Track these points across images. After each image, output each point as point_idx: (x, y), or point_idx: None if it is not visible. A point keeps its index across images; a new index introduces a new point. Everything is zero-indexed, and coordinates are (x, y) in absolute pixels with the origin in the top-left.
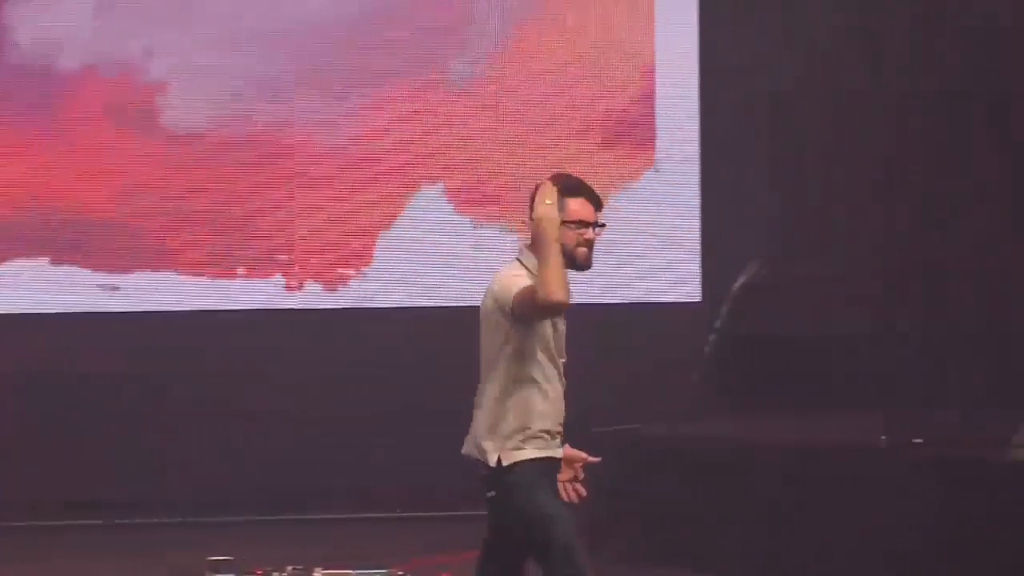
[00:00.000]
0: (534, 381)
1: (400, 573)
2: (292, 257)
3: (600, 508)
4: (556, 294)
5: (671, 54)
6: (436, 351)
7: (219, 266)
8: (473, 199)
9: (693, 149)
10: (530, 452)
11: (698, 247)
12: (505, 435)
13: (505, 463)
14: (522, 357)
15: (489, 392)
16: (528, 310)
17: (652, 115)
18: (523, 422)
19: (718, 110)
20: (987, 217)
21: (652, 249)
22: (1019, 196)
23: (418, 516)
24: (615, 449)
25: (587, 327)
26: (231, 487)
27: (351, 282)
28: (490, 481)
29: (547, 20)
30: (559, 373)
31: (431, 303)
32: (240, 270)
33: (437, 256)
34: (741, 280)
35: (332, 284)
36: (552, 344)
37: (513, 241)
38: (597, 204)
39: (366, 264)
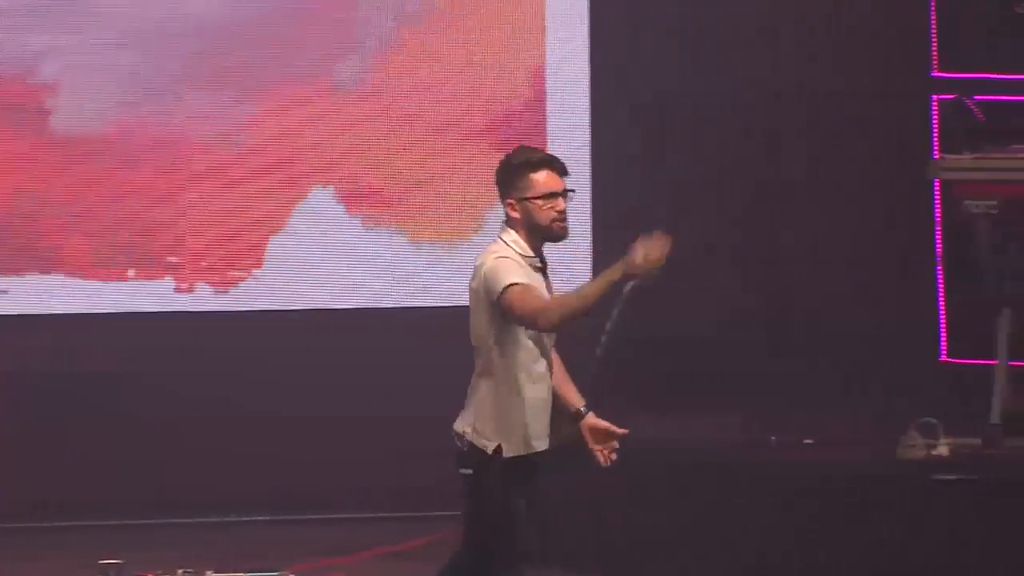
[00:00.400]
0: (520, 364)
1: None
2: (182, 259)
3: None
4: (551, 325)
5: (562, 57)
6: (326, 352)
7: (109, 268)
8: (364, 201)
9: (584, 152)
10: (509, 447)
11: (589, 248)
12: (485, 420)
13: (488, 451)
14: (507, 340)
15: (476, 372)
16: (515, 317)
17: (543, 118)
18: (505, 409)
19: (609, 113)
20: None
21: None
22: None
23: (322, 519)
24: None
25: None
26: (121, 490)
27: (241, 284)
28: (464, 461)
29: (438, 23)
30: (545, 354)
31: (321, 305)
32: (131, 272)
33: (328, 258)
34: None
35: (222, 286)
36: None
37: (403, 243)
38: (562, 171)
39: (257, 266)
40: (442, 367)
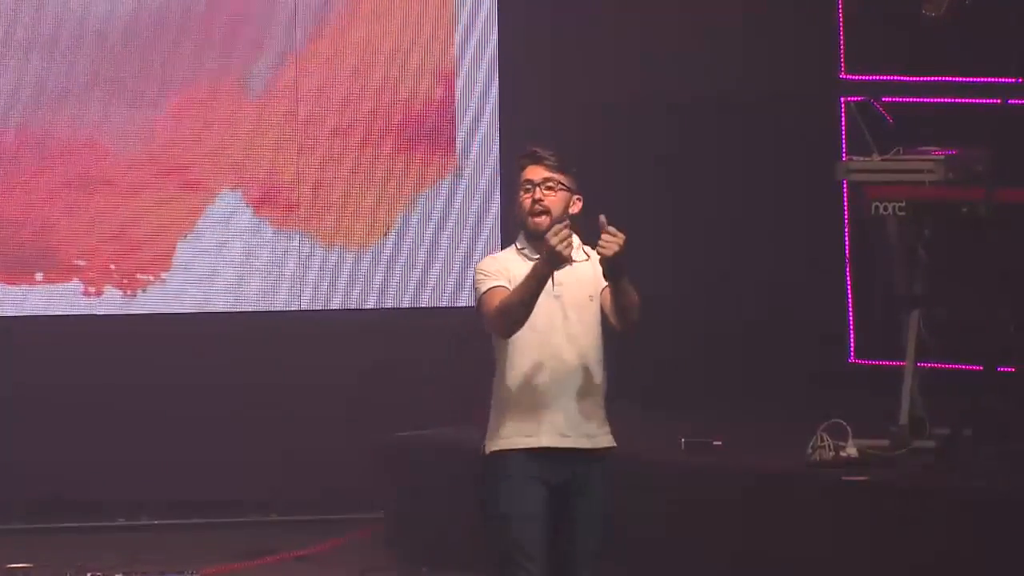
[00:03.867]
0: (513, 365)
1: None
2: (90, 262)
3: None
4: (499, 330)
5: (471, 59)
6: (235, 355)
7: (16, 272)
8: (272, 203)
9: (493, 154)
10: (504, 443)
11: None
12: (490, 421)
13: (486, 452)
14: (499, 340)
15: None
16: (484, 326)
17: (453, 120)
18: (501, 409)
19: (518, 115)
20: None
21: (455, 252)
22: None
23: (230, 522)
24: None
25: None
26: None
27: (149, 287)
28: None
29: (346, 25)
30: (554, 352)
31: (230, 308)
32: (38, 275)
33: (236, 261)
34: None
35: (130, 289)
36: (537, 318)
37: (312, 245)
38: (536, 160)
39: (165, 269)
40: (351, 369)
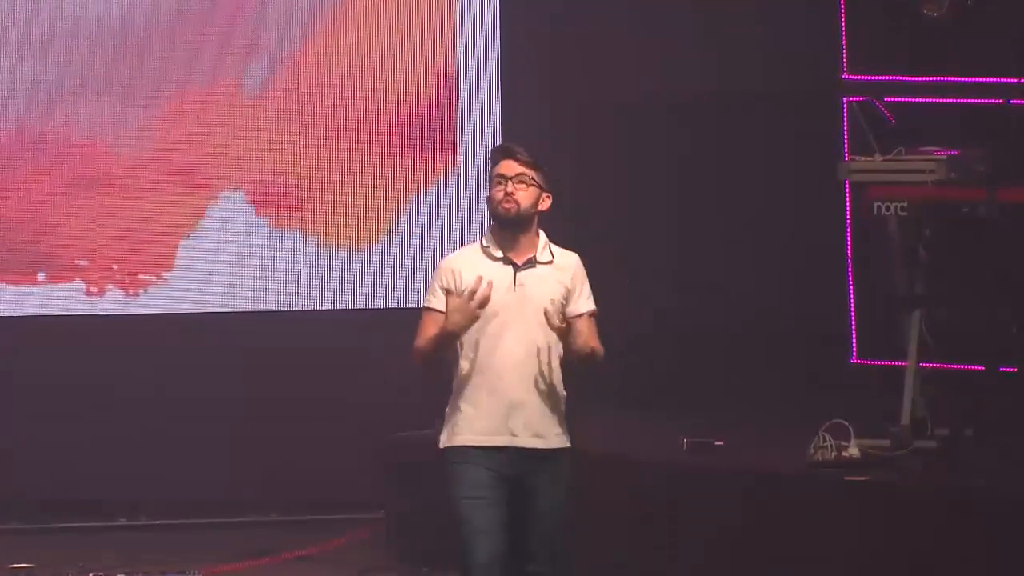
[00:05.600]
0: (468, 362)
1: None
2: (92, 263)
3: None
4: (414, 356)
5: (472, 58)
6: (237, 355)
7: (18, 272)
8: (273, 204)
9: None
10: (457, 439)
11: None
12: (447, 415)
13: (440, 446)
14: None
15: None
16: None
17: (454, 119)
18: (455, 404)
19: (520, 115)
20: (771, 219)
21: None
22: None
23: (233, 522)
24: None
25: (395, 331)
26: (27, 493)
27: (151, 287)
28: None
29: (345, 24)
30: (509, 352)
31: (231, 308)
32: (40, 275)
33: (238, 261)
34: None
35: (132, 289)
36: (496, 316)
37: (313, 246)
38: (509, 155)
39: (167, 269)
40: (352, 369)
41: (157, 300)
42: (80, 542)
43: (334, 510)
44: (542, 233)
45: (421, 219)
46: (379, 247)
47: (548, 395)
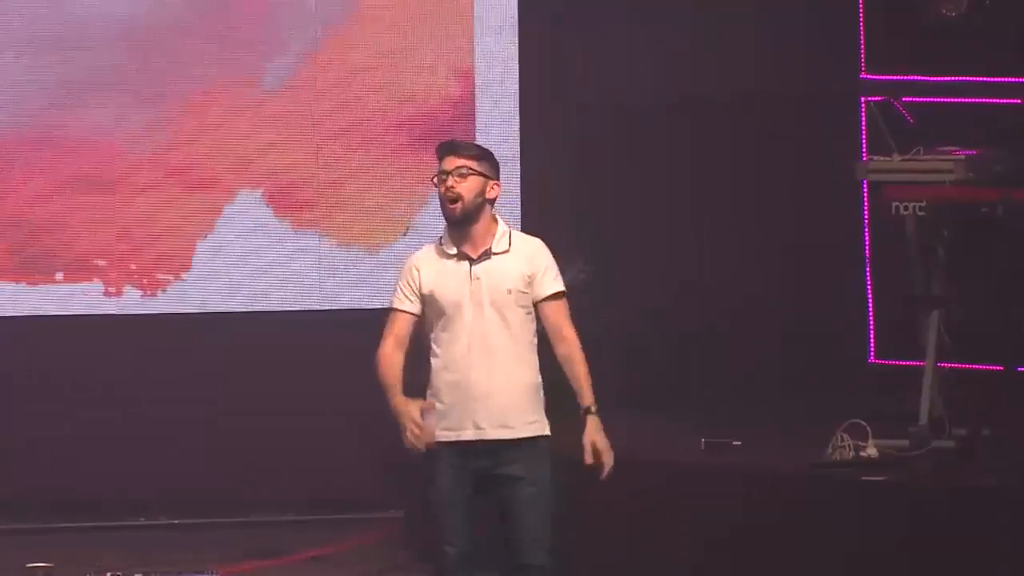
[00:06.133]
0: (436, 357)
1: None
2: (110, 262)
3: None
4: (376, 364)
5: (490, 58)
6: (255, 355)
7: (36, 272)
8: (290, 203)
9: (513, 152)
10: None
11: None
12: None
13: None
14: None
15: None
16: None
17: (472, 119)
18: (430, 397)
19: (537, 113)
20: (789, 219)
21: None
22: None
23: (251, 521)
24: None
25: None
26: (48, 493)
27: (169, 287)
28: None
29: (364, 22)
30: (471, 346)
31: (250, 308)
32: (58, 275)
33: (256, 260)
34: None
35: (150, 289)
36: (457, 311)
37: (330, 244)
38: (449, 150)
39: (185, 269)
40: (370, 368)
41: (174, 300)
42: (98, 541)
43: (352, 510)
44: (500, 222)
45: (438, 218)
46: (396, 246)
47: (515, 385)
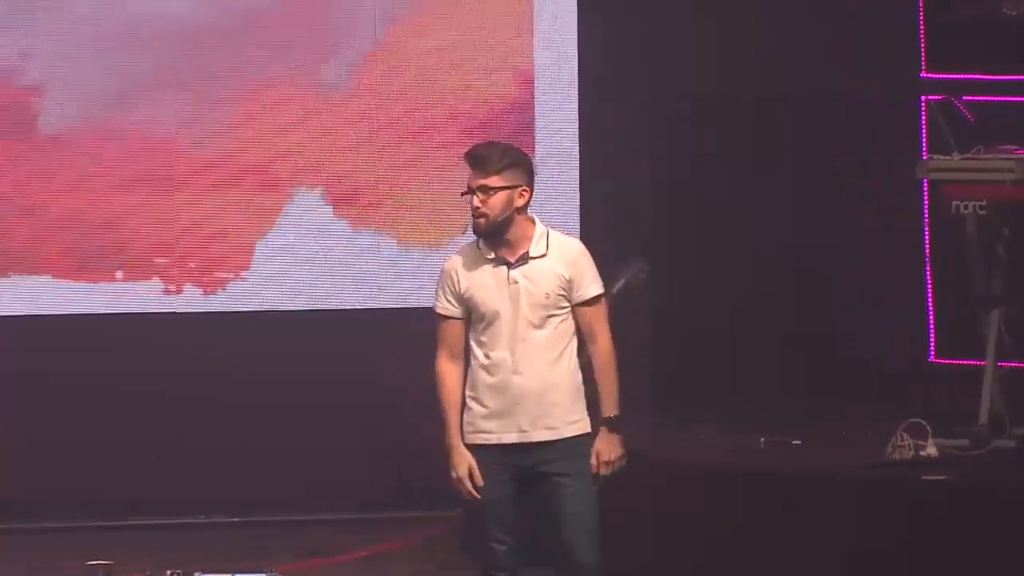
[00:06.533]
0: (477, 360)
1: None
2: (170, 260)
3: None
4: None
5: (550, 60)
6: (314, 353)
7: (97, 270)
8: (351, 202)
9: (572, 156)
10: (472, 438)
11: None
12: (464, 411)
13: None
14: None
15: None
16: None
17: (531, 121)
18: (470, 402)
19: (597, 115)
20: (850, 218)
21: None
22: (888, 195)
23: (310, 520)
24: None
25: None
26: (108, 491)
27: (229, 285)
28: None
29: (424, 23)
30: (507, 342)
31: (309, 306)
32: (119, 274)
33: (315, 259)
34: (621, 282)
35: (210, 287)
36: (496, 316)
37: (389, 244)
38: (473, 163)
39: (245, 267)
40: (431, 367)
41: (234, 299)
42: (157, 540)
43: (411, 507)
44: (538, 223)
45: None
46: (455, 244)
47: (555, 387)
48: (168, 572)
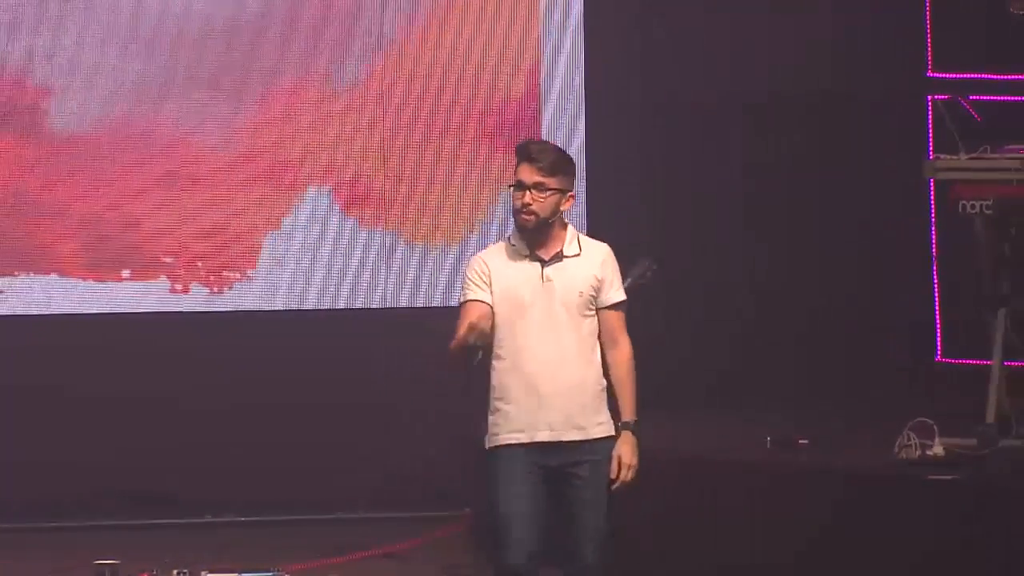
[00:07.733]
0: (497, 356)
1: None
2: (177, 259)
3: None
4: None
5: (557, 56)
6: (322, 352)
7: (104, 269)
8: (359, 201)
9: (579, 150)
10: (497, 439)
11: None
12: (488, 415)
13: (485, 447)
14: (496, 327)
15: None
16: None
17: (538, 116)
18: (494, 402)
19: (604, 112)
20: (856, 217)
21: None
22: (894, 195)
23: (317, 519)
24: None
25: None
26: (115, 490)
27: (236, 284)
28: None
29: (432, 23)
30: (538, 339)
31: (317, 305)
32: (125, 273)
33: (323, 258)
34: (628, 280)
35: (217, 286)
36: (529, 312)
37: (398, 243)
38: (541, 165)
39: (252, 266)
40: (443, 366)
41: (242, 297)
42: (165, 538)
43: (421, 507)
44: (570, 226)
45: (506, 216)
46: (464, 244)
47: (585, 386)
48: (175, 571)
